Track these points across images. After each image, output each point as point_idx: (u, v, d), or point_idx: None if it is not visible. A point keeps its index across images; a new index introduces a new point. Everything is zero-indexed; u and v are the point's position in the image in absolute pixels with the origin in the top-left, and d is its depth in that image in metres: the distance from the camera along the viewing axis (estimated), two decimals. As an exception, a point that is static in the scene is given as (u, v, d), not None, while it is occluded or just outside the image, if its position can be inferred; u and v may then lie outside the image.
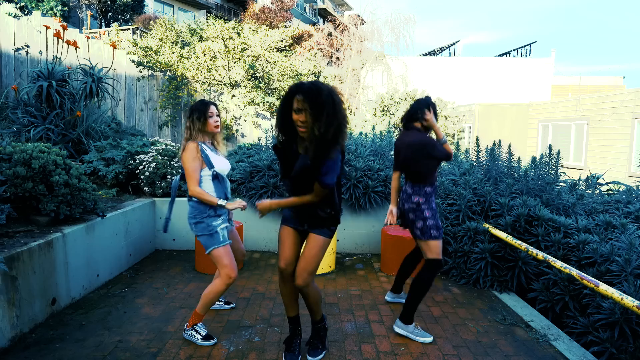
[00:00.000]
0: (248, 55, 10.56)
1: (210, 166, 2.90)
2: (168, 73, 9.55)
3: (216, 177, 2.93)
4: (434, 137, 3.19)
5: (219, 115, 3.02)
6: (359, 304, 3.63)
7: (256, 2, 24.44)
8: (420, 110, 3.13)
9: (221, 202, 2.84)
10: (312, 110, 2.21)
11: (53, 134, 5.20)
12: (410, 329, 3.02)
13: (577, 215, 4.19)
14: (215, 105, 3.04)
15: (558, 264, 2.98)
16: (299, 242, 2.63)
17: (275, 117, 2.42)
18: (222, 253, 2.83)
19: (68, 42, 5.56)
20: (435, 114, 3.19)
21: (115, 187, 4.95)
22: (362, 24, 23.19)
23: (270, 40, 10.91)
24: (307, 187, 2.41)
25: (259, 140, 6.47)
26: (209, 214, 2.85)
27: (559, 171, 4.68)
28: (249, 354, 2.78)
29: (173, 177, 4.97)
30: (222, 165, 3.01)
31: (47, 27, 6.00)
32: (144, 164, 4.93)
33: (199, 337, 2.87)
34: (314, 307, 2.65)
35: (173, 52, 9.83)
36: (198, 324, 2.91)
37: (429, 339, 2.98)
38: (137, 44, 9.75)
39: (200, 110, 2.93)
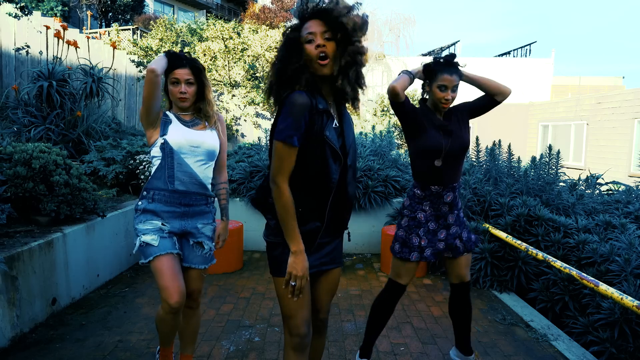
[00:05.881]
0: (248, 55, 10.56)
1: (163, 133, 2.14)
2: (168, 73, 9.55)
3: (168, 152, 2.12)
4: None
5: (192, 84, 2.15)
6: (359, 304, 3.63)
7: (256, 2, 24.44)
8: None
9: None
10: (338, 31, 1.53)
11: (53, 134, 5.20)
12: None
13: (577, 215, 4.19)
14: (193, 68, 2.15)
15: (558, 263, 2.98)
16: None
17: (273, 74, 1.64)
18: (158, 267, 2.06)
19: (68, 42, 5.56)
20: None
21: (115, 187, 4.95)
22: (362, 24, 23.08)
23: (271, 40, 10.91)
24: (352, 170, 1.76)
25: (259, 140, 6.48)
26: (140, 206, 2.14)
27: (559, 171, 4.68)
28: (249, 354, 2.79)
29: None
30: (182, 136, 2.14)
31: (48, 27, 6.00)
32: (144, 164, 4.93)
33: None
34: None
35: (173, 52, 9.83)
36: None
37: None
38: (137, 44, 9.76)
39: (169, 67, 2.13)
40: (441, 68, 2.26)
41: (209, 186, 2.26)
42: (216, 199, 2.37)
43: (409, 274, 2.40)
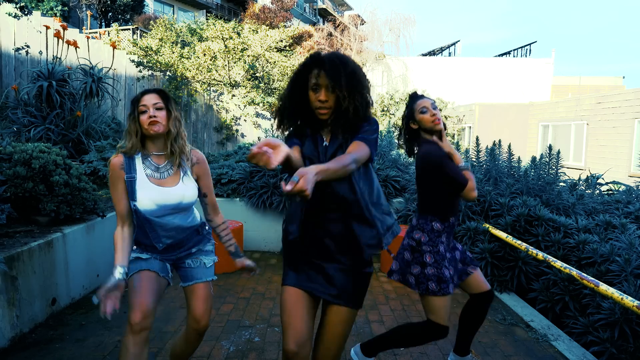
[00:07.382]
0: (248, 55, 10.57)
1: (132, 197, 1.88)
2: (168, 73, 9.55)
3: (143, 219, 1.90)
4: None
5: (161, 109, 1.88)
6: (359, 304, 3.62)
7: (256, 2, 24.45)
8: (409, 108, 2.34)
9: (118, 271, 1.84)
10: (338, 87, 1.62)
11: (53, 134, 5.20)
12: None
13: (577, 215, 4.18)
14: (161, 93, 1.92)
15: (558, 264, 2.98)
16: (312, 309, 1.77)
17: (282, 103, 1.77)
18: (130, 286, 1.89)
19: (68, 42, 5.57)
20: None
21: (115, 187, 4.95)
22: (362, 24, 23.17)
23: (270, 40, 10.92)
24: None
25: (259, 139, 6.48)
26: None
27: (559, 171, 4.67)
28: (249, 354, 2.78)
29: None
30: (152, 201, 1.87)
31: (47, 27, 6.00)
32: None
33: None
34: None
35: (173, 52, 9.83)
36: None
37: None
38: (137, 44, 9.75)
39: (132, 104, 1.90)
40: (410, 102, 2.32)
41: (197, 218, 2.09)
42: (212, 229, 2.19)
43: (449, 308, 2.28)
